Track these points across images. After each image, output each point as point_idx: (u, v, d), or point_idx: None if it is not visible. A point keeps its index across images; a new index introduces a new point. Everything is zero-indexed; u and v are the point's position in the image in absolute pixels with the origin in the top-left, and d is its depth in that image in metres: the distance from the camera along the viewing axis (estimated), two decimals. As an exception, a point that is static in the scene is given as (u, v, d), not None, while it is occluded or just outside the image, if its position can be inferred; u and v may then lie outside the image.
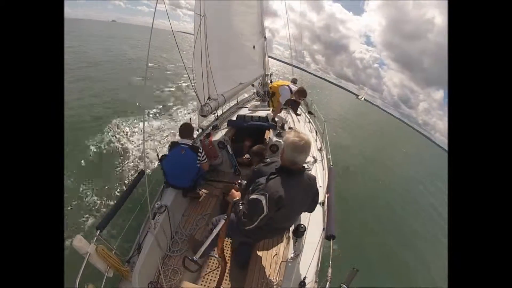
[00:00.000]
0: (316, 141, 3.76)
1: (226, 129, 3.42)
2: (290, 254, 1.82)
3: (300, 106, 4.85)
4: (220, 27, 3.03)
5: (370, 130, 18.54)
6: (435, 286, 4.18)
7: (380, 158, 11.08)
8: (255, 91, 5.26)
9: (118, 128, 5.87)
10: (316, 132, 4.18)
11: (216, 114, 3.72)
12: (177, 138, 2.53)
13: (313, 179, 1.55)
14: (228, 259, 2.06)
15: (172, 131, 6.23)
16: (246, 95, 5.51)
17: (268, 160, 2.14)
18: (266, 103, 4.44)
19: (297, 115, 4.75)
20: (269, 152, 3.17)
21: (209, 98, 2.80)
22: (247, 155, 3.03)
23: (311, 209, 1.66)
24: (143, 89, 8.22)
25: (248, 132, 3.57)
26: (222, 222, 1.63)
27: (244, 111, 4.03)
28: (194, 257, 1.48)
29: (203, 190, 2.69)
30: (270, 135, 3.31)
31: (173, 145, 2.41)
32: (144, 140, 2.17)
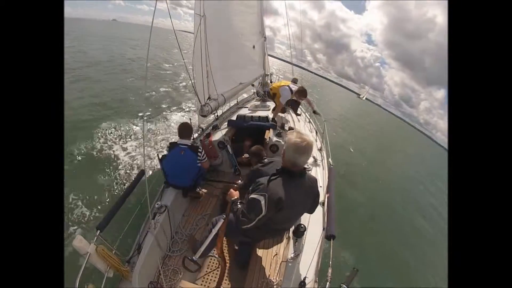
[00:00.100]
0: (316, 141, 3.76)
1: (226, 129, 3.43)
2: (290, 254, 1.82)
3: (300, 106, 4.86)
4: (220, 27, 3.03)
5: (370, 130, 18.52)
6: (435, 286, 4.18)
7: (380, 157, 11.08)
8: (255, 91, 5.26)
9: (115, 129, 5.74)
10: (316, 132, 4.18)
11: (216, 114, 3.72)
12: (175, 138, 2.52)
13: (314, 181, 1.55)
14: (228, 259, 2.06)
15: (167, 136, 6.00)
16: (246, 95, 5.51)
17: (265, 160, 2.15)
18: (266, 103, 4.45)
19: (297, 115, 4.76)
20: (269, 152, 3.17)
21: (209, 98, 2.80)
22: (246, 155, 3.03)
23: (311, 211, 1.66)
24: (143, 89, 8.14)
25: (248, 132, 3.57)
26: (221, 221, 1.63)
27: (244, 111, 4.03)
28: (193, 257, 1.48)
29: (203, 190, 2.69)
30: (270, 135, 3.31)
31: (172, 146, 2.40)
32: (144, 140, 2.17)
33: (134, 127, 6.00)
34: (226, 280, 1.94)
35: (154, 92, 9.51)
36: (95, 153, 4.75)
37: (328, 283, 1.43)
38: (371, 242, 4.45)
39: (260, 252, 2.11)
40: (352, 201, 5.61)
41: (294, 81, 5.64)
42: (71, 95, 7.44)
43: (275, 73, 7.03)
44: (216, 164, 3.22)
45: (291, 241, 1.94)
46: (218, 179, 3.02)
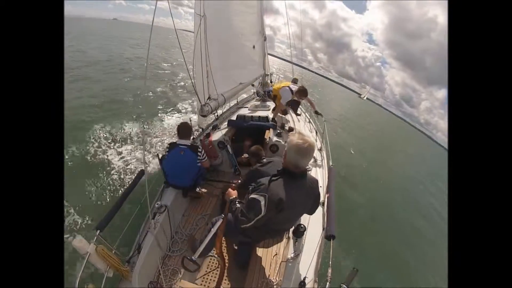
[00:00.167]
0: (316, 141, 3.76)
1: (226, 129, 3.43)
2: (290, 254, 1.82)
3: (300, 106, 4.85)
4: (220, 27, 3.02)
5: (371, 130, 18.50)
6: (435, 286, 4.18)
7: (380, 157, 11.07)
8: (255, 91, 5.26)
9: (109, 132, 5.52)
10: (316, 132, 4.18)
11: (216, 114, 3.72)
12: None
13: (315, 182, 1.54)
14: (228, 259, 2.06)
15: (163, 138, 5.74)
16: (245, 95, 5.50)
17: (264, 160, 2.14)
18: (266, 103, 4.44)
19: (297, 115, 4.75)
20: (269, 152, 3.17)
21: (209, 98, 2.80)
22: (245, 155, 3.03)
23: (311, 212, 1.65)
24: (142, 89, 8.07)
25: (248, 132, 3.57)
26: (220, 221, 1.63)
27: (244, 111, 4.03)
28: (192, 257, 1.48)
29: (203, 190, 2.69)
30: (270, 135, 3.31)
31: (172, 146, 2.40)
32: (143, 139, 2.17)
33: (128, 129, 5.72)
34: (226, 280, 1.94)
35: (151, 93, 9.38)
36: (88, 157, 4.56)
37: (328, 283, 1.43)
38: (371, 242, 4.45)
39: (260, 252, 2.11)
40: (352, 201, 5.61)
41: (294, 81, 5.63)
42: (70, 94, 7.35)
43: (275, 73, 7.01)
44: (216, 164, 3.22)
45: (291, 241, 1.94)
46: (218, 179, 3.02)
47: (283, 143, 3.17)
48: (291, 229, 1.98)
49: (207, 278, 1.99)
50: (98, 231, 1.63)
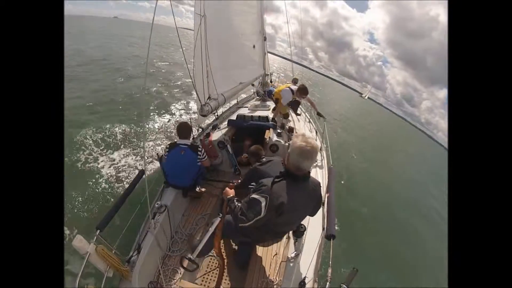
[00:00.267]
0: (316, 141, 3.76)
1: (226, 129, 3.42)
2: (290, 254, 1.82)
3: (300, 106, 4.85)
4: (220, 26, 3.02)
5: (371, 130, 18.47)
6: (435, 286, 4.17)
7: (381, 157, 11.06)
8: (255, 91, 5.26)
9: (113, 129, 5.47)
10: (316, 132, 4.18)
11: (216, 114, 3.72)
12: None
13: (317, 184, 1.53)
14: (227, 258, 2.06)
15: (160, 137, 5.56)
16: (245, 95, 5.50)
17: (264, 159, 2.14)
18: (266, 102, 4.44)
19: (297, 115, 4.76)
20: (269, 152, 3.17)
21: (209, 97, 2.80)
22: (245, 154, 3.03)
23: (313, 214, 1.65)
24: (140, 89, 7.99)
25: (248, 132, 3.57)
26: (218, 220, 1.63)
27: (244, 111, 4.03)
28: (191, 256, 1.48)
29: (203, 190, 2.70)
30: (270, 135, 3.31)
31: (172, 146, 2.40)
32: (144, 139, 2.17)
33: (121, 129, 5.51)
34: (226, 280, 1.95)
35: (146, 92, 9.17)
36: (88, 158, 4.53)
37: (328, 283, 1.43)
38: (371, 242, 4.44)
39: (260, 252, 2.11)
40: (352, 201, 5.61)
41: (295, 81, 5.63)
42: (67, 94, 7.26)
43: (276, 71, 6.97)
44: (216, 164, 3.22)
45: (291, 241, 1.94)
46: (218, 178, 3.02)
47: (283, 143, 3.17)
48: None
49: (207, 278, 1.99)
50: (98, 231, 1.63)
